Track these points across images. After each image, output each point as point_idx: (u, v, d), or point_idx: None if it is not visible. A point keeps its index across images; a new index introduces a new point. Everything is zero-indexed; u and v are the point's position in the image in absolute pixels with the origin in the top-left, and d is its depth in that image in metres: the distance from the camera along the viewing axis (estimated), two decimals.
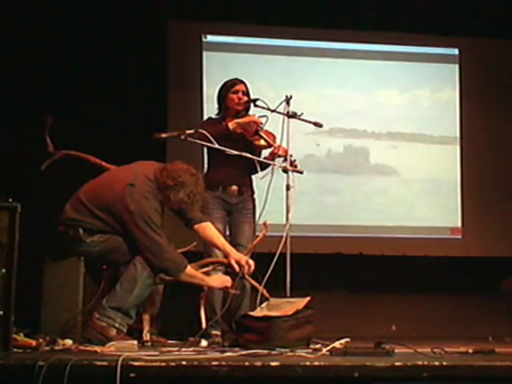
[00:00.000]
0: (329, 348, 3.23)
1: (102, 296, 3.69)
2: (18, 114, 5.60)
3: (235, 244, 4.25)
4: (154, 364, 2.73)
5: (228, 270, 4.02)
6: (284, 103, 4.28)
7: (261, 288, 3.93)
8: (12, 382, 2.69)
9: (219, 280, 3.89)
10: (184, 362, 2.76)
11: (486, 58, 6.60)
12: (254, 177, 4.49)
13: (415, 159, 6.47)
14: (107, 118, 5.81)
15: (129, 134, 5.72)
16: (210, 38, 6.28)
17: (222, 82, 4.55)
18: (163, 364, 2.74)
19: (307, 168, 4.46)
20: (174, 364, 2.74)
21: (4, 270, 3.03)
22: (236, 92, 4.45)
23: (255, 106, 4.42)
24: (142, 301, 3.74)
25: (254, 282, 3.98)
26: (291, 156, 4.24)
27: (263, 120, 4.33)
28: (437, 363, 2.85)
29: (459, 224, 6.44)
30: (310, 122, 4.33)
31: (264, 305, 3.78)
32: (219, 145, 4.15)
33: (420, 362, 2.85)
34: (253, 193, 4.49)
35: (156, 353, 3.06)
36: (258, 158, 4.31)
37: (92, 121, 5.78)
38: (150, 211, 3.68)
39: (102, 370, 2.68)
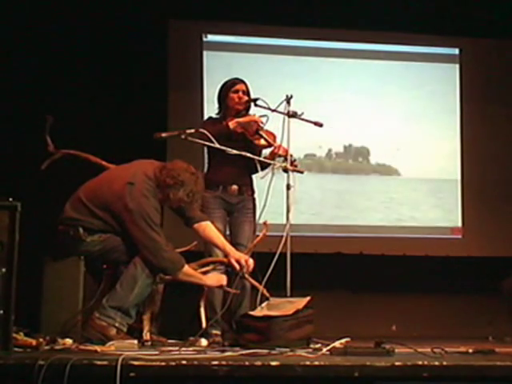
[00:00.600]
0: (329, 348, 3.23)
1: (102, 295, 3.69)
2: (18, 114, 5.60)
3: (235, 243, 4.25)
4: (154, 363, 2.73)
5: (228, 269, 4.02)
6: (284, 103, 4.28)
7: (261, 287, 3.93)
8: (12, 382, 2.69)
9: (215, 278, 3.89)
10: (184, 362, 2.76)
11: (486, 58, 6.60)
12: (254, 176, 4.49)
13: (415, 159, 6.47)
14: (107, 118, 5.82)
15: (129, 133, 5.72)
16: (210, 37, 6.28)
17: (223, 82, 4.55)
18: (163, 363, 2.74)
19: (307, 168, 4.46)
20: (174, 363, 2.74)
21: (4, 270, 3.03)
22: (236, 91, 4.45)
23: (255, 105, 4.42)
24: (142, 300, 3.74)
25: (254, 282, 3.98)
26: (291, 156, 4.24)
27: (264, 119, 4.33)
28: (437, 363, 2.86)
29: (459, 224, 6.44)
30: (310, 122, 4.33)
31: (264, 304, 3.78)
32: (219, 144, 4.15)
33: (420, 362, 2.85)
34: (253, 192, 4.49)
35: (156, 352, 3.06)
36: (258, 158, 4.31)
37: (92, 121, 5.78)
38: (150, 210, 3.67)
39: (102, 370, 2.68)
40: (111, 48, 5.90)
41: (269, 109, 4.32)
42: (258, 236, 4.19)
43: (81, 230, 3.72)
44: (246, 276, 3.96)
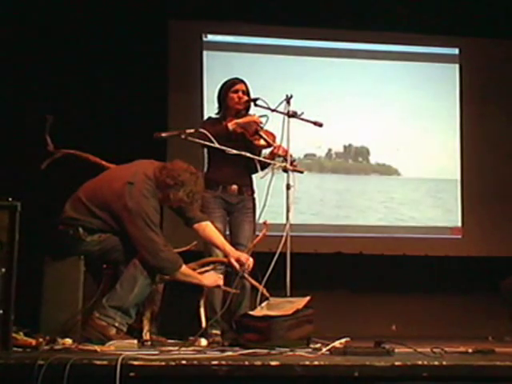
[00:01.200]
0: (329, 347, 3.23)
1: (102, 295, 3.69)
2: (18, 114, 5.60)
3: (235, 243, 4.26)
4: (154, 363, 2.73)
5: (228, 269, 4.03)
6: (284, 102, 4.28)
7: (261, 287, 3.93)
8: (12, 381, 2.69)
9: (212, 279, 3.89)
10: (184, 362, 2.76)
11: (486, 58, 6.60)
12: (254, 176, 4.49)
13: (415, 159, 6.47)
14: (107, 118, 5.82)
15: (129, 133, 5.72)
16: (210, 37, 6.28)
17: (222, 82, 4.55)
18: (163, 363, 2.74)
19: (307, 168, 4.46)
20: (173, 363, 2.74)
21: (4, 269, 3.03)
22: (236, 91, 4.45)
23: (255, 105, 4.41)
24: (142, 300, 3.74)
25: (254, 282, 3.98)
26: (291, 156, 4.24)
27: (263, 120, 4.33)
28: (436, 363, 2.86)
29: (459, 224, 6.44)
30: (310, 122, 4.32)
31: (264, 304, 3.78)
32: (219, 144, 4.15)
33: (420, 362, 2.85)
34: (253, 192, 4.49)
35: (156, 352, 3.06)
36: (257, 158, 4.31)
37: (92, 120, 5.78)
38: (149, 210, 3.67)
39: (102, 370, 2.68)
40: (111, 48, 5.89)
41: (269, 109, 4.32)
42: (257, 236, 4.19)
43: (80, 229, 3.72)
44: (246, 276, 3.97)
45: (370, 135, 6.43)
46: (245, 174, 4.44)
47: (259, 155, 4.39)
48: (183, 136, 4.09)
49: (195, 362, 2.76)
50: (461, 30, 6.45)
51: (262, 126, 4.31)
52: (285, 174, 4.23)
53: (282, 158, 4.26)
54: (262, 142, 4.32)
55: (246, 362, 2.79)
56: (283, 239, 4.06)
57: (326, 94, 6.33)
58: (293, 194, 4.18)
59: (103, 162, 4.32)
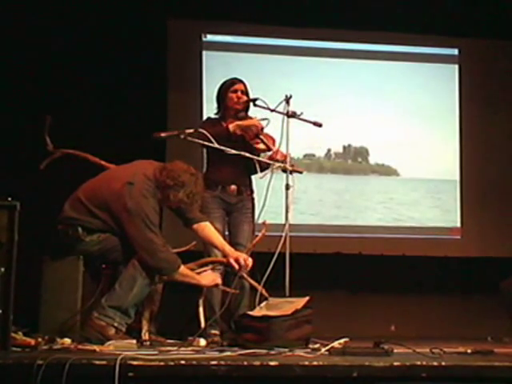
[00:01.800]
0: (328, 348, 3.23)
1: (101, 295, 3.69)
2: (18, 114, 5.60)
3: (235, 243, 4.26)
4: (153, 363, 2.73)
5: (227, 269, 4.03)
6: (284, 103, 4.28)
7: (260, 287, 3.93)
8: (10, 381, 2.69)
9: (210, 278, 3.89)
10: (183, 362, 2.76)
11: (485, 59, 6.60)
12: (253, 176, 4.49)
13: (415, 159, 6.47)
14: (106, 118, 5.82)
15: (129, 133, 5.71)
16: (209, 37, 6.28)
17: (222, 82, 4.55)
18: (162, 363, 2.74)
19: (306, 168, 4.45)
20: (172, 363, 2.74)
21: (3, 269, 3.03)
22: (235, 91, 4.45)
23: (254, 105, 4.41)
24: (141, 300, 3.74)
25: (253, 282, 3.98)
26: (291, 160, 4.23)
27: (264, 123, 4.31)
28: (435, 363, 2.86)
29: (458, 224, 6.44)
30: (309, 122, 4.32)
31: (263, 304, 3.78)
32: (218, 144, 4.15)
33: (419, 362, 2.85)
34: (252, 192, 4.49)
35: (155, 352, 3.06)
36: (257, 158, 4.30)
37: (91, 120, 5.78)
38: (148, 210, 3.67)
39: (101, 369, 2.68)
40: (111, 48, 5.89)
41: (268, 109, 4.31)
42: (257, 236, 4.19)
43: (80, 229, 3.72)
44: (245, 276, 3.97)
45: (370, 135, 6.43)
46: (244, 174, 4.44)
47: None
48: (182, 136, 4.09)
49: (194, 362, 2.77)
50: (460, 30, 6.45)
51: (262, 129, 4.31)
52: (284, 175, 4.22)
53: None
54: (261, 145, 4.31)
55: (245, 362, 2.79)
56: (282, 239, 4.05)
57: (325, 94, 6.33)
58: (292, 194, 4.17)
59: (102, 162, 4.32)
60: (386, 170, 6.48)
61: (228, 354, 3.04)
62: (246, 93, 4.47)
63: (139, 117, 5.77)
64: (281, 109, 4.28)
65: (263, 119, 4.32)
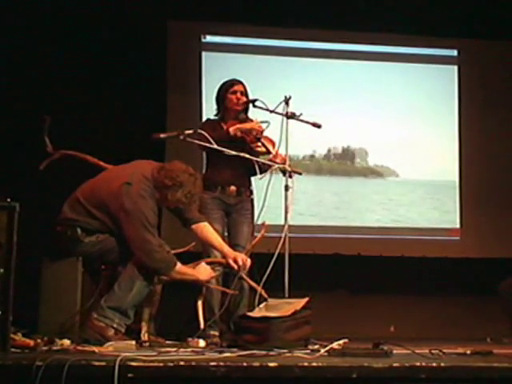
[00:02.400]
0: (327, 349, 3.23)
1: (100, 296, 3.69)
2: (18, 114, 5.59)
3: (234, 244, 4.26)
4: (152, 364, 2.73)
5: (226, 269, 4.02)
6: (283, 104, 4.28)
7: (259, 288, 3.93)
8: (10, 382, 2.69)
9: (206, 273, 3.87)
10: (182, 363, 2.76)
11: (484, 60, 6.60)
12: (252, 178, 4.49)
13: (414, 160, 6.48)
14: (106, 118, 5.82)
15: (128, 134, 5.72)
16: (209, 38, 6.28)
17: (221, 83, 4.55)
18: (161, 364, 2.74)
19: (305, 169, 4.45)
20: (171, 364, 2.74)
21: (2, 270, 3.02)
22: (234, 92, 4.45)
23: (254, 106, 4.41)
24: (140, 301, 3.74)
25: (252, 283, 3.98)
26: (290, 162, 4.23)
27: (264, 126, 4.31)
28: (435, 364, 2.86)
29: (457, 225, 6.45)
30: (308, 123, 4.32)
31: (262, 305, 3.78)
32: (218, 145, 4.15)
33: (418, 363, 2.85)
34: (251, 193, 4.48)
35: (154, 353, 3.06)
36: (256, 159, 4.30)
37: (91, 121, 5.78)
38: (146, 210, 3.67)
39: (100, 370, 2.68)
40: (110, 48, 5.90)
41: (267, 110, 4.32)
42: (256, 237, 4.19)
43: (79, 230, 3.72)
44: (244, 277, 3.96)
45: (369, 136, 6.43)
46: (243, 175, 4.44)
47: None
48: (182, 137, 4.08)
49: (193, 363, 2.76)
50: (459, 31, 6.46)
51: (262, 132, 4.31)
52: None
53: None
54: (261, 148, 4.31)
55: (245, 363, 2.78)
56: (282, 240, 4.06)
57: (324, 96, 6.34)
58: (291, 195, 4.18)
59: (101, 163, 4.31)
60: (385, 171, 6.49)
61: (227, 354, 3.04)
62: (245, 94, 4.47)
63: (138, 117, 5.77)
64: (280, 110, 4.28)
65: (263, 122, 4.32)
